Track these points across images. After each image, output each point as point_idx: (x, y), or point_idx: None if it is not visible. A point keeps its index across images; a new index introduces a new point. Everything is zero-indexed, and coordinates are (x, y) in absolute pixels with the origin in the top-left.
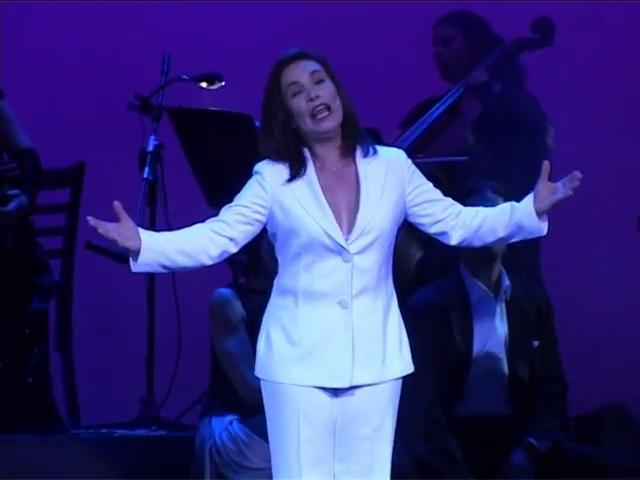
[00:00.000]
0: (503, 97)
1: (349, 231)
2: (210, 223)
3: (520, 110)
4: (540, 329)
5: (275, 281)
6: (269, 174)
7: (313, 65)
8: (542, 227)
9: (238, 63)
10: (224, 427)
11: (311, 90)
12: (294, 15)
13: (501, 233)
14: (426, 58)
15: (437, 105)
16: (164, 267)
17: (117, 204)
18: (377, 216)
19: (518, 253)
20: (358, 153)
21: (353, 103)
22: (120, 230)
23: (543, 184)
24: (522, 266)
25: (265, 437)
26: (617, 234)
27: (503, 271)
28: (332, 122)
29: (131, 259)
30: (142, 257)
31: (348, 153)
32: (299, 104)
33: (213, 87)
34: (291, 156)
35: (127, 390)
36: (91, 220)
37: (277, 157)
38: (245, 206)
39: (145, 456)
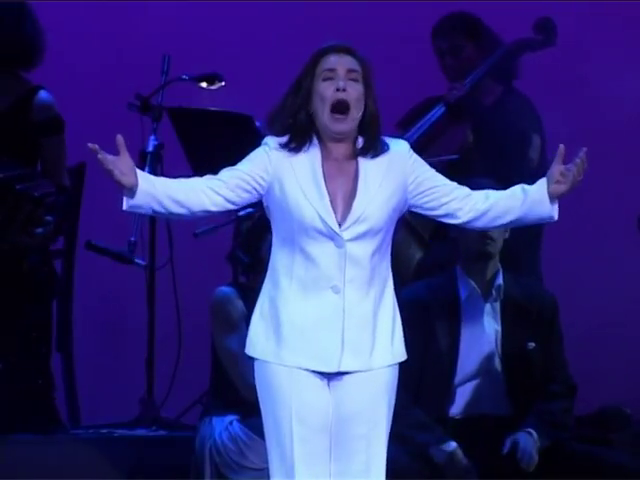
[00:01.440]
0: (501, 102)
1: (344, 218)
2: (207, 180)
3: (512, 118)
4: (540, 330)
5: (270, 261)
6: (277, 149)
7: (354, 64)
8: (553, 212)
9: (238, 63)
10: (224, 427)
11: (342, 82)
12: (294, 15)
13: (512, 216)
14: (426, 58)
15: (421, 122)
16: (155, 212)
17: (120, 137)
18: (372, 206)
19: (518, 250)
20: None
21: (379, 113)
22: (118, 163)
23: (557, 168)
24: (521, 263)
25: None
26: (617, 234)
27: (500, 270)
28: (345, 126)
29: (125, 197)
30: (136, 198)
31: (357, 153)
32: (326, 89)
33: (213, 87)
34: (299, 131)
35: (127, 390)
36: (91, 145)
37: (285, 131)
38: (247, 173)
39: (145, 456)
